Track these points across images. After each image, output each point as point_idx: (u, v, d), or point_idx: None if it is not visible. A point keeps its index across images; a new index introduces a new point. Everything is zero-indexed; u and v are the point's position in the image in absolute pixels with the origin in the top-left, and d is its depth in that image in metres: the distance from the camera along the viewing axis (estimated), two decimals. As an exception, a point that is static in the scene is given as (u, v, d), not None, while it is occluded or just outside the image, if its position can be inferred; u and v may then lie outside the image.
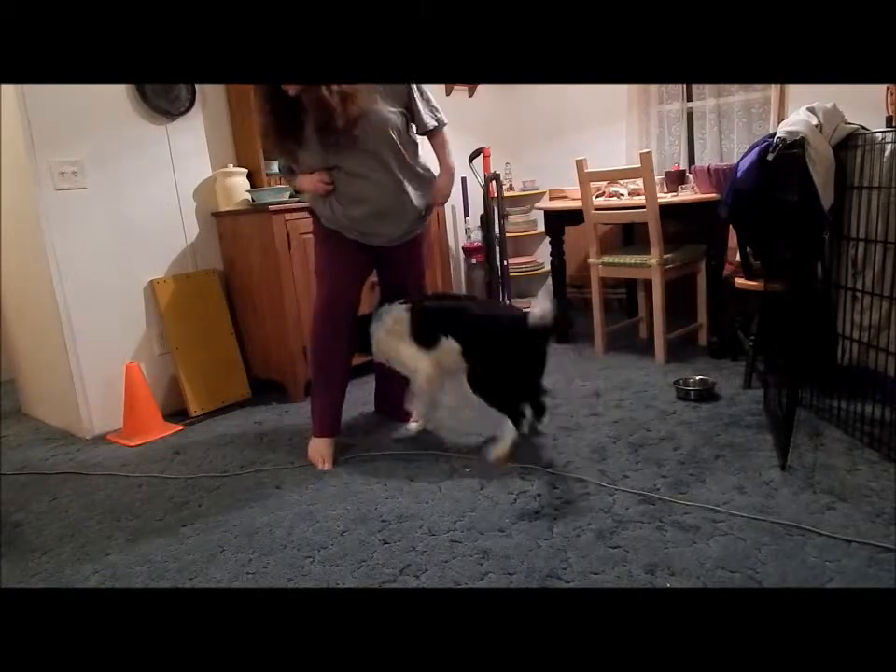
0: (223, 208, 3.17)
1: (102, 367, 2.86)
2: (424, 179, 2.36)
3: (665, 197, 3.22)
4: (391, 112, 2.22)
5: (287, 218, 2.93)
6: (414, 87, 2.28)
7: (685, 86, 3.93)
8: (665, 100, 4.02)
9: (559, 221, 3.62)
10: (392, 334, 2.35)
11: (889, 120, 2.66)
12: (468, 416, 2.48)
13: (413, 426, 2.54)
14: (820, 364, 2.40)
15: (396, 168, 2.24)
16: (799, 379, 2.22)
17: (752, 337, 2.69)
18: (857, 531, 1.65)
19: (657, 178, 3.30)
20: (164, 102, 3.00)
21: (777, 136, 2.25)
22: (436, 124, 2.35)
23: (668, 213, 3.08)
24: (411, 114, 2.30)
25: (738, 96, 3.73)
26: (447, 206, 3.90)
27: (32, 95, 2.60)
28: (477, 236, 4.21)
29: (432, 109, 2.34)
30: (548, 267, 3.90)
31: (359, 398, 2.93)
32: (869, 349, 2.26)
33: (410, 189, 2.29)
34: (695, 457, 2.15)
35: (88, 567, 1.82)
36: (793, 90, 3.46)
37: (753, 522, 1.74)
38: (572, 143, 4.36)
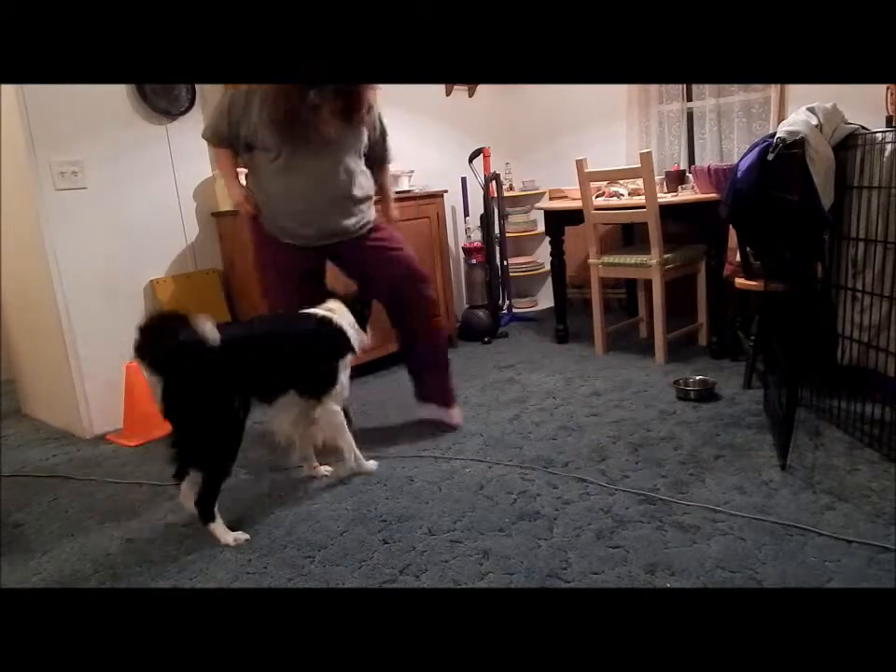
0: (223, 208, 3.17)
1: (102, 367, 2.86)
2: (365, 187, 2.39)
3: (665, 197, 3.22)
4: (363, 134, 2.33)
5: (287, 218, 2.92)
6: (379, 120, 2.43)
7: (685, 86, 3.93)
8: (664, 100, 4.02)
9: (559, 221, 3.61)
10: None
11: (889, 120, 2.66)
12: None
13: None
14: (820, 364, 2.40)
15: (342, 176, 2.28)
16: (799, 379, 2.22)
17: (752, 337, 2.69)
18: (857, 531, 1.65)
19: (657, 178, 3.30)
20: (164, 102, 3.00)
21: (777, 136, 2.25)
22: (390, 161, 2.55)
23: (668, 213, 3.08)
24: (371, 143, 2.40)
25: (738, 96, 3.74)
26: (447, 206, 3.89)
27: (32, 95, 2.60)
28: (477, 236, 4.21)
29: (388, 146, 2.51)
30: (548, 267, 3.91)
31: (359, 397, 2.93)
32: (869, 349, 2.26)
33: (346, 193, 2.31)
34: (695, 457, 2.15)
35: (88, 566, 1.82)
36: (793, 90, 3.46)
37: (753, 522, 1.74)
38: (572, 143, 4.36)
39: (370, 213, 2.44)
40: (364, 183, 2.38)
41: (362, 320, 2.28)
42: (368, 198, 2.42)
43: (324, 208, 2.30)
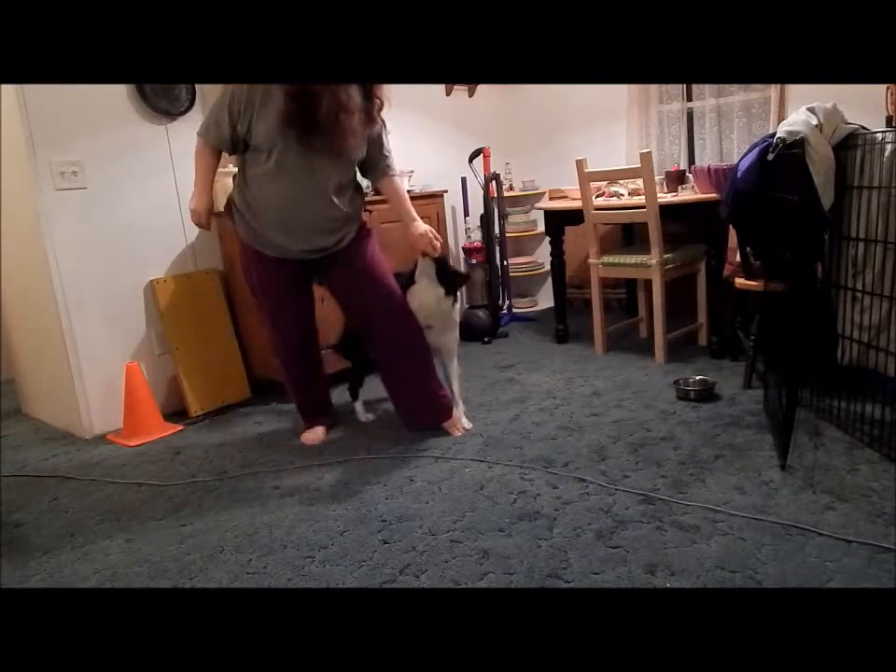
0: (223, 208, 3.17)
1: (102, 367, 2.86)
2: (355, 202, 2.36)
3: (665, 197, 3.22)
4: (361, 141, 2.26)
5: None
6: (384, 131, 2.34)
7: (685, 86, 3.93)
8: (665, 100, 4.02)
9: (559, 221, 3.62)
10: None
11: (889, 120, 2.66)
12: None
13: None
14: (820, 364, 2.40)
15: (332, 191, 2.24)
16: (799, 379, 2.22)
17: (752, 337, 2.70)
18: (857, 531, 1.65)
19: (657, 178, 3.30)
20: (164, 102, 3.00)
21: (777, 136, 2.25)
22: (394, 172, 2.41)
23: (668, 213, 3.08)
24: (369, 156, 2.33)
25: (738, 96, 3.74)
26: (447, 206, 3.90)
27: (32, 95, 2.60)
28: (477, 236, 4.21)
29: (390, 157, 2.39)
30: (548, 267, 3.91)
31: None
32: (869, 349, 2.26)
33: (334, 207, 2.26)
34: (695, 457, 2.15)
35: (88, 566, 1.82)
36: (793, 90, 3.46)
37: (753, 522, 1.74)
38: (572, 143, 4.36)
39: (354, 229, 2.37)
40: (355, 198, 2.34)
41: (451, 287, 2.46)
42: (356, 214, 2.36)
43: (307, 220, 2.24)
